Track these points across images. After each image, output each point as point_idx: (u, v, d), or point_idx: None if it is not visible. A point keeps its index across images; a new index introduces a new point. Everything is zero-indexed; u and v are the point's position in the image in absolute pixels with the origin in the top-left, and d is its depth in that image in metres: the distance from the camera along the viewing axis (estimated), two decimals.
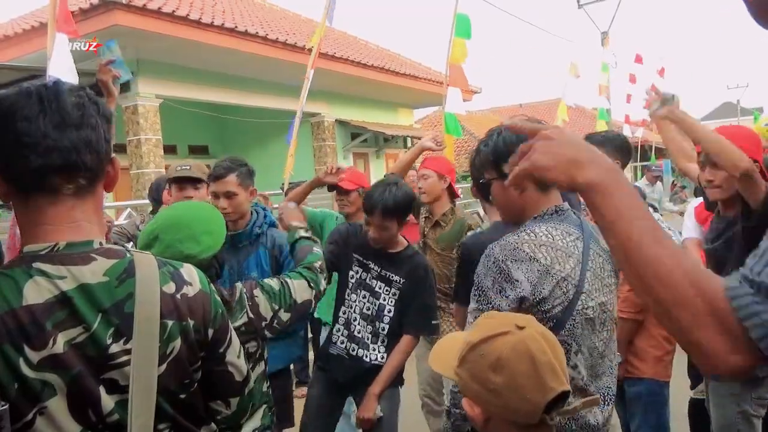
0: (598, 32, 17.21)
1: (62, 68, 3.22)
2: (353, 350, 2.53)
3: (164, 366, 1.02)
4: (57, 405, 0.94)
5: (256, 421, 1.83)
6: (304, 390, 4.06)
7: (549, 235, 1.47)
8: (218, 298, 1.16)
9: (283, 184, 6.06)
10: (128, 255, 1.04)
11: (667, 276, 0.78)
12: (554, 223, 1.51)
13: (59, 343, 0.94)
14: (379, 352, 2.52)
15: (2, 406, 0.87)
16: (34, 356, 0.92)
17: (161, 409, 1.02)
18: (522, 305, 1.43)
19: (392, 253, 2.56)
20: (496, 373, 1.04)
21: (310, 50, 6.16)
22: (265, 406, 1.90)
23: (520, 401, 1.03)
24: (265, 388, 1.93)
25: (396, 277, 2.53)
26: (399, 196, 2.40)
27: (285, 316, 1.78)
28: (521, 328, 1.07)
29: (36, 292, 0.94)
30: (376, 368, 2.49)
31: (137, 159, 8.68)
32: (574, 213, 1.58)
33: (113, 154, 1.08)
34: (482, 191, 1.83)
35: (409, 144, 14.81)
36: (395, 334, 2.52)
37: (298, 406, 2.75)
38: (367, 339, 2.53)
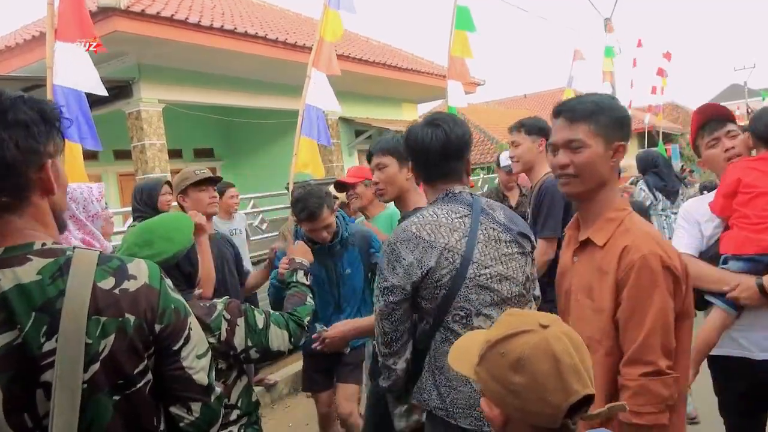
0: (601, 18, 17.04)
1: (68, 77, 3.17)
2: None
3: (98, 365, 1.00)
4: None
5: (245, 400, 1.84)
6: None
7: (434, 215, 1.76)
8: (174, 295, 1.14)
9: (288, 183, 6.03)
10: (68, 253, 1.03)
11: None
12: (441, 205, 1.81)
13: None
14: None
15: None
16: None
17: (96, 412, 1.00)
18: (413, 278, 1.68)
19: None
20: (517, 372, 1.00)
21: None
22: (249, 415, 1.86)
23: (541, 403, 0.98)
24: (254, 399, 1.91)
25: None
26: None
27: (255, 355, 1.81)
28: (545, 327, 1.02)
29: None
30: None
31: (142, 164, 8.69)
32: (471, 195, 1.83)
33: (48, 159, 1.05)
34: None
35: None
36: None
37: None
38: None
